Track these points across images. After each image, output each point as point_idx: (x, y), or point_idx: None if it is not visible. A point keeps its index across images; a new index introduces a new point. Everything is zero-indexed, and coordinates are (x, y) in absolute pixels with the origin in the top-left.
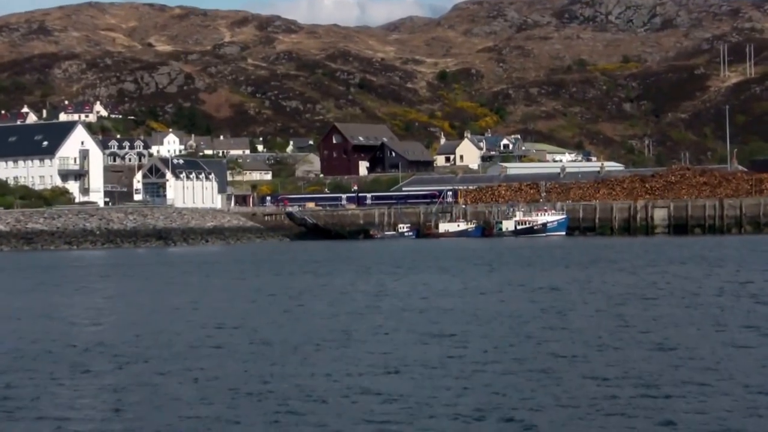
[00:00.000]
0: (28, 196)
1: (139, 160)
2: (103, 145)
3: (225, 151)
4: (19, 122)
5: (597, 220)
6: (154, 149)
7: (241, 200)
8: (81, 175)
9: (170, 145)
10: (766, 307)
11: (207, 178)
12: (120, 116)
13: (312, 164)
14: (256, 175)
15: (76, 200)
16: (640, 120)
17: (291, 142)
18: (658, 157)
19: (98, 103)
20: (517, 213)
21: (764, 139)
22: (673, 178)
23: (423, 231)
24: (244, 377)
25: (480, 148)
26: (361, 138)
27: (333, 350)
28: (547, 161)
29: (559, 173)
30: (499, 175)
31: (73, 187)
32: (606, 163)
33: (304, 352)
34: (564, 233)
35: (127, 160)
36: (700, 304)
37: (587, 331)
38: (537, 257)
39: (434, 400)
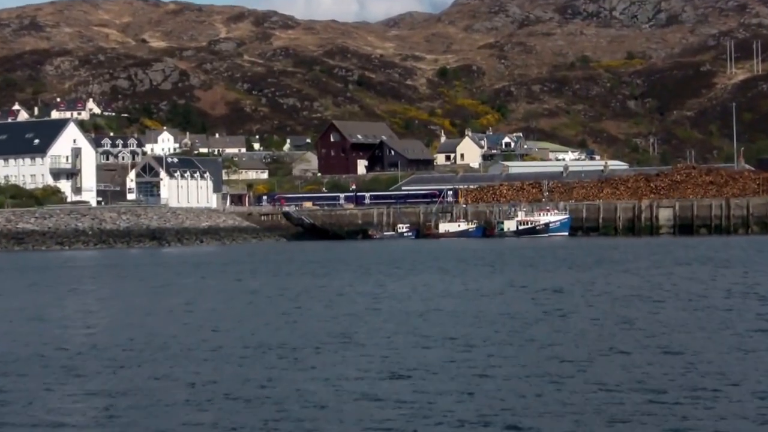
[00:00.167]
0: (18, 196)
1: (133, 158)
2: (96, 144)
3: (220, 149)
4: (10, 120)
5: (600, 220)
6: (147, 147)
7: (237, 200)
8: (73, 174)
9: (164, 144)
10: None
11: (202, 177)
12: (113, 114)
13: (309, 163)
14: (252, 174)
15: (68, 199)
16: (644, 118)
17: (288, 141)
18: (663, 156)
19: (91, 100)
20: (519, 213)
21: None
22: (678, 177)
23: (423, 231)
24: (241, 381)
25: (481, 147)
26: (359, 136)
27: (331, 354)
28: (550, 160)
29: (561, 172)
30: (500, 174)
31: (65, 186)
32: (610, 162)
33: (302, 356)
34: (567, 233)
35: (120, 158)
36: (707, 307)
37: (592, 335)
38: (539, 258)
39: (436, 405)
